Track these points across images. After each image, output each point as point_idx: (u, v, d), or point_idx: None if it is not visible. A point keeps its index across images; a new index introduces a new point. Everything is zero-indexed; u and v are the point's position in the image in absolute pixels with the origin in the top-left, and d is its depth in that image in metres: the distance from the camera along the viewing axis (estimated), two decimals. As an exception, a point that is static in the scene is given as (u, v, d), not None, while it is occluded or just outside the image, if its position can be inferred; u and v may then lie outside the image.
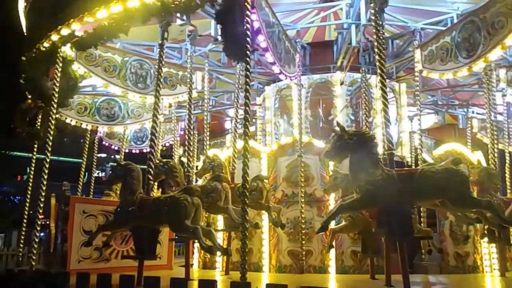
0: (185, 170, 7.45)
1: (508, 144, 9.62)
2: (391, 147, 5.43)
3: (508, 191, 8.66)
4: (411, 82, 10.90)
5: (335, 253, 7.60)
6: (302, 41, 9.66)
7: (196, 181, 8.66)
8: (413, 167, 9.22)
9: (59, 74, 7.25)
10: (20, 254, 8.76)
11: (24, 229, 8.29)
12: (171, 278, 4.71)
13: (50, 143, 7.12)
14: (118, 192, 8.04)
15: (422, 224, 7.83)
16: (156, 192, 8.24)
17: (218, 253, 6.33)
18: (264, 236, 8.04)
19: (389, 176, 5.04)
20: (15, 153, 22.57)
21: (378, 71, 5.68)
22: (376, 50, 5.73)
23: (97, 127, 11.01)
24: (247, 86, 5.32)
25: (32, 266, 6.73)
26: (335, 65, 10.35)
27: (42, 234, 8.29)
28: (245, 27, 5.29)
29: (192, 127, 8.63)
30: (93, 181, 11.25)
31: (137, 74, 9.11)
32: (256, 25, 5.92)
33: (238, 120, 8.80)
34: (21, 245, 8.48)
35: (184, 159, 8.62)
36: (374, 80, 9.69)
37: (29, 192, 8.20)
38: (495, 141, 8.48)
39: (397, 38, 10.21)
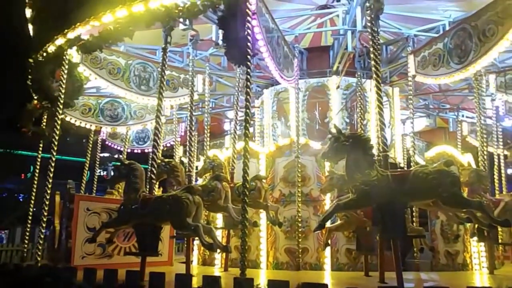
0: (186, 169, 7.60)
1: (496, 147, 9.90)
2: (386, 149, 5.59)
3: (497, 192, 8.92)
4: (403, 87, 11.10)
5: (330, 251, 7.76)
6: (299, 46, 9.86)
7: (197, 180, 8.81)
8: (406, 168, 9.45)
9: (65, 76, 7.40)
10: (25, 250, 8.89)
11: (28, 225, 8.46)
12: (176, 274, 4.83)
13: (56, 143, 7.27)
14: (120, 190, 8.23)
15: (414, 224, 8.04)
16: (157, 191, 8.38)
17: (218, 250, 6.49)
18: (262, 234, 8.19)
19: (384, 177, 5.19)
20: (17, 151, 22.60)
21: (374, 76, 5.84)
22: (371, 55, 5.88)
23: (101, 127, 11.17)
24: (248, 89, 5.45)
25: (38, 262, 6.90)
26: (331, 70, 10.53)
27: (46, 230, 8.43)
28: (246, 32, 5.44)
29: (193, 128, 8.85)
30: (95, 180, 11.38)
31: (140, 77, 9.29)
32: (256, 30, 6.08)
33: (238, 122, 8.98)
34: (26, 241, 8.64)
35: (185, 159, 8.80)
36: (368, 84, 9.90)
37: (34, 190, 8.34)
38: (485, 144, 8.71)
39: (391, 44, 10.45)
